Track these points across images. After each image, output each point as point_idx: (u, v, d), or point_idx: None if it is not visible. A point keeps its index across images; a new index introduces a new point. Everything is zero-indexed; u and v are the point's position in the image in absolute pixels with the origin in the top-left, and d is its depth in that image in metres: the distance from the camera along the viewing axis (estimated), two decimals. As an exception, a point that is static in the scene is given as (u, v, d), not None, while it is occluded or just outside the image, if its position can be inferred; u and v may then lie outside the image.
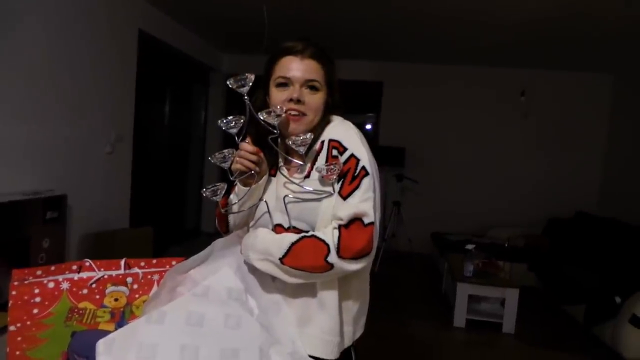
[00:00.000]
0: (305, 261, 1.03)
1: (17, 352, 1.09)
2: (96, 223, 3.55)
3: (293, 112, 1.13)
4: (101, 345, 1.01)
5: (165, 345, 0.99)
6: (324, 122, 1.17)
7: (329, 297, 1.10)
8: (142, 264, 1.31)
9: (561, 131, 5.76)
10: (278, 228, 1.15)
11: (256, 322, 1.08)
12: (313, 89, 1.14)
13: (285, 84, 1.13)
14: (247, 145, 1.10)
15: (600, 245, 4.39)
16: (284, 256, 1.04)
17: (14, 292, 1.12)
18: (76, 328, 1.15)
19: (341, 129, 1.15)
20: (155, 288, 1.26)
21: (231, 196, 1.21)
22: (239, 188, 1.16)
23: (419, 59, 5.62)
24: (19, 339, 1.10)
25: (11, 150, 2.73)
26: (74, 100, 3.24)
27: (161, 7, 4.22)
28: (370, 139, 6.87)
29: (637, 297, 3.20)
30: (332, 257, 1.02)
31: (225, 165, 1.10)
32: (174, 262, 1.36)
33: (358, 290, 1.17)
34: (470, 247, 3.73)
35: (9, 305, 1.11)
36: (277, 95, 1.14)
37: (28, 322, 1.10)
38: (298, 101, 1.12)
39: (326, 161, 1.10)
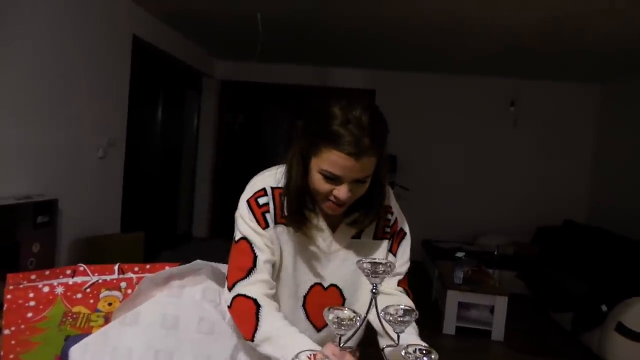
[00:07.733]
0: None
1: (11, 356, 1.10)
2: (87, 228, 3.54)
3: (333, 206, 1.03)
4: (74, 352, 1.02)
5: (139, 350, 1.00)
6: (386, 194, 1.20)
7: None
8: (136, 269, 1.32)
9: (550, 141, 5.84)
10: (316, 287, 1.14)
11: (228, 327, 1.10)
12: (362, 182, 1.01)
13: (331, 178, 0.98)
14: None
15: (588, 254, 4.44)
16: None
17: (8, 296, 1.12)
18: (70, 332, 1.16)
19: (389, 194, 1.23)
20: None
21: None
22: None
23: (411, 67, 5.68)
24: (13, 342, 1.10)
25: (2, 154, 2.72)
26: (67, 104, 3.23)
27: (156, 14, 4.24)
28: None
29: (623, 306, 3.24)
30: None
31: None
32: (167, 267, 1.37)
33: None
34: (460, 254, 3.76)
35: (4, 309, 1.12)
36: (320, 184, 0.99)
37: (22, 326, 1.11)
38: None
39: (378, 222, 1.17)
